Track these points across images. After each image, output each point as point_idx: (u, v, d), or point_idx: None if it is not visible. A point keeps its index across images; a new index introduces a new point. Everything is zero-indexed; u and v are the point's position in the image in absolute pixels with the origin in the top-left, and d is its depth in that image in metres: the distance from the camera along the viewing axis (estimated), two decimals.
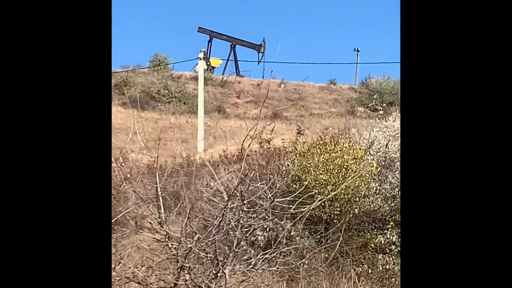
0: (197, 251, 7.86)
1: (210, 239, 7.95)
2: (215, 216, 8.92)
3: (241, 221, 8.61)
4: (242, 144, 13.30)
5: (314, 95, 45.10)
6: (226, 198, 8.65)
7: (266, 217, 11.19)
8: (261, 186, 10.99)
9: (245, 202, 9.48)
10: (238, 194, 8.63)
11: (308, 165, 11.97)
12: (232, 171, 13.64)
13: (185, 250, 7.71)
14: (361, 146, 13.24)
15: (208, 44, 50.04)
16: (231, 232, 8.21)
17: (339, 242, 10.87)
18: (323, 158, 12.02)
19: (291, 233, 11.98)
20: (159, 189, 8.33)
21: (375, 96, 43.66)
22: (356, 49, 52.84)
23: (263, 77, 48.33)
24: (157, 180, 8.46)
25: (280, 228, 11.51)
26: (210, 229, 8.20)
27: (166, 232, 7.83)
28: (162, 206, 8.27)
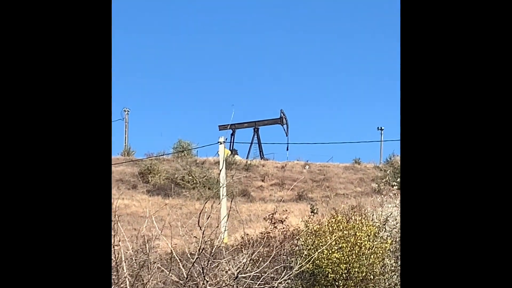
0: None
1: None
2: None
3: None
4: (266, 228, 13.29)
5: (339, 175, 44.98)
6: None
7: None
8: (276, 268, 10.90)
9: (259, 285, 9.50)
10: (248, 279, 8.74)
11: (321, 244, 11.81)
12: (251, 254, 13.52)
13: None
14: (375, 222, 13.06)
15: (231, 137, 50.78)
16: None
17: None
18: (335, 236, 11.84)
19: None
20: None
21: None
22: (379, 128, 52.96)
23: (287, 149, 48.50)
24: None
25: None
26: None
27: None
28: None
